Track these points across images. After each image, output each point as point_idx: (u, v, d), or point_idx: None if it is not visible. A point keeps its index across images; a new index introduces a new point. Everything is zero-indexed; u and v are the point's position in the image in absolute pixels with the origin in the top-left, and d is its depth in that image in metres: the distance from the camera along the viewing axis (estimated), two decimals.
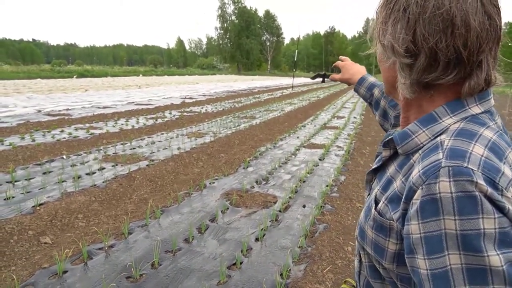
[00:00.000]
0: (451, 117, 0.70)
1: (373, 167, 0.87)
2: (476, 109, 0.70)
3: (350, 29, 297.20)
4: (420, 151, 0.70)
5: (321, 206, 4.48)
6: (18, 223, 3.63)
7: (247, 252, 3.38)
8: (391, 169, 0.79)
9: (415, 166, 0.67)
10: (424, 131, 0.72)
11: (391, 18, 0.70)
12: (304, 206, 4.54)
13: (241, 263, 3.18)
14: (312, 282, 2.95)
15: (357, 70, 1.35)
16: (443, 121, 0.71)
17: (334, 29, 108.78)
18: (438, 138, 0.68)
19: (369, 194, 0.89)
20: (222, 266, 3.01)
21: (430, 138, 0.70)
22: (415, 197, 0.62)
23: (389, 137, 0.79)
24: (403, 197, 0.66)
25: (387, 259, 0.74)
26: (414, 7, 0.65)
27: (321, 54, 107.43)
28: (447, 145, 0.64)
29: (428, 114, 0.73)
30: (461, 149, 0.62)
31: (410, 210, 0.63)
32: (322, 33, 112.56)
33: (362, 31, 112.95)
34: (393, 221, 0.70)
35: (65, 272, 2.93)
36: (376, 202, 0.77)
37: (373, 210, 0.76)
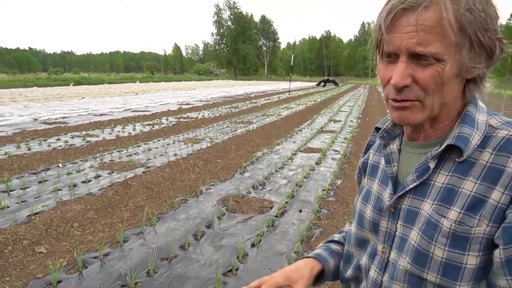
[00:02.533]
0: (480, 114, 0.76)
1: (411, 186, 0.78)
2: (482, 104, 0.78)
3: (346, 33, 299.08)
4: (488, 150, 0.71)
5: (317, 211, 4.48)
6: (12, 233, 3.61)
7: (243, 258, 3.37)
8: (442, 178, 0.74)
9: (510, 160, 0.68)
10: (476, 132, 0.73)
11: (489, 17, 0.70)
12: (300, 211, 4.53)
13: (237, 269, 3.17)
14: None
15: (299, 272, 0.94)
16: (477, 118, 0.75)
17: (330, 33, 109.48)
18: (498, 133, 0.72)
19: (396, 220, 0.81)
20: (217, 273, 2.99)
21: (481, 137, 0.73)
22: None
23: (441, 148, 0.74)
24: (506, 190, 0.66)
25: (463, 279, 0.70)
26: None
27: (317, 58, 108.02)
28: None
29: (468, 115, 0.75)
30: None
31: None
32: (318, 37, 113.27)
33: (357, 34, 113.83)
34: (482, 225, 0.68)
35: (59, 282, 2.91)
36: (439, 216, 0.72)
37: (445, 224, 0.71)
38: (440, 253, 0.71)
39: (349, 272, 0.96)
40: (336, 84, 43.43)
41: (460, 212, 0.70)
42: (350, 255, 0.96)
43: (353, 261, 0.94)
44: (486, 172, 0.69)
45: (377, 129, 0.93)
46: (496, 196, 0.67)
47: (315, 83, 44.94)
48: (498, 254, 0.67)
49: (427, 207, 0.75)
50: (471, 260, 0.69)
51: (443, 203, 0.73)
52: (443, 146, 0.74)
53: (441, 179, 0.74)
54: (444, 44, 0.68)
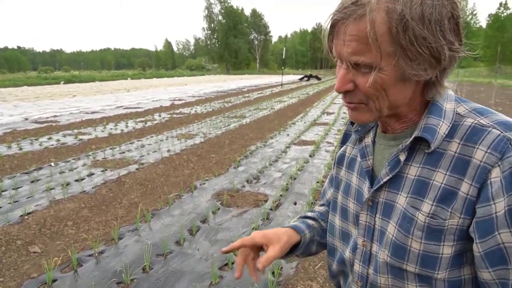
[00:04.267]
0: (447, 102, 0.75)
1: (385, 179, 0.78)
2: (451, 91, 0.78)
3: None
4: (455, 140, 0.71)
5: (312, 203, 4.49)
6: (5, 233, 3.58)
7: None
8: (414, 171, 0.74)
9: (475, 151, 0.67)
10: (443, 122, 0.73)
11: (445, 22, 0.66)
12: (295, 204, 4.54)
13: (232, 263, 3.17)
14: (304, 279, 2.95)
15: (278, 236, 0.94)
16: (445, 107, 0.74)
17: (321, 26, 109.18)
18: (464, 121, 0.72)
19: (374, 213, 0.81)
20: (213, 267, 3.00)
21: (448, 126, 0.72)
22: (493, 175, 0.65)
23: (409, 140, 0.74)
24: (473, 182, 0.66)
25: (441, 268, 0.71)
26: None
27: (308, 51, 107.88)
28: (491, 122, 0.69)
29: (435, 105, 0.74)
30: (507, 121, 0.69)
31: (490, 190, 0.64)
32: (309, 30, 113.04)
33: None
34: (455, 218, 0.68)
35: (54, 281, 2.89)
36: (414, 210, 0.73)
37: (419, 218, 0.71)
38: (417, 246, 0.72)
39: (334, 267, 0.96)
40: (318, 79, 44.75)
41: (432, 205, 0.70)
42: (334, 248, 0.96)
43: (337, 254, 0.95)
44: (455, 163, 0.70)
45: (352, 122, 0.92)
46: (465, 188, 0.68)
47: (298, 78, 45.70)
48: (476, 248, 0.68)
49: (401, 200, 0.75)
50: (447, 249, 0.70)
51: (416, 195, 0.73)
52: (411, 139, 0.74)
53: (413, 171, 0.75)
54: (379, 54, 0.66)
